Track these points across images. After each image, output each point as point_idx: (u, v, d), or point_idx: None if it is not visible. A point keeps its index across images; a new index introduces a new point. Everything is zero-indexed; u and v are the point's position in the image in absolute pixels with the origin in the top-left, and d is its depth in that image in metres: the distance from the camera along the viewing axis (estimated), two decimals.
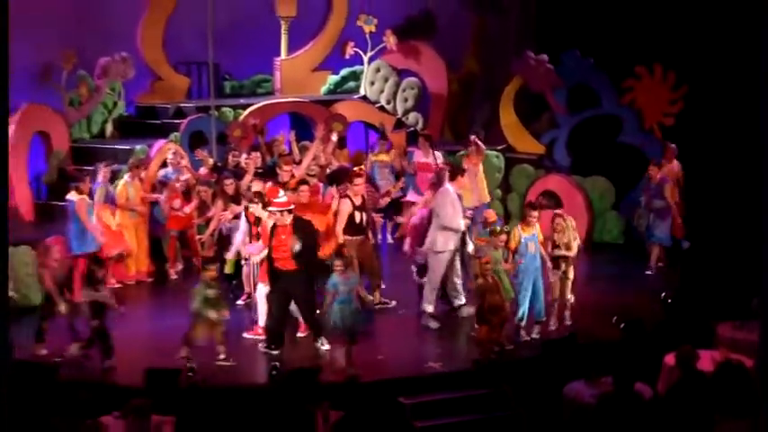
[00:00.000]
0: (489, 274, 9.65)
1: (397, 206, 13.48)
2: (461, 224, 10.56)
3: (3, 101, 6.45)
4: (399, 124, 15.86)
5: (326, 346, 9.85)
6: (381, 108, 15.99)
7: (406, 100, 16.19)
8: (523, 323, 10.20)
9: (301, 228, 9.85)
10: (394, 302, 11.21)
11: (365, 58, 16.13)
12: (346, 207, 10.74)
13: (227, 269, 11.21)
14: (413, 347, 10.05)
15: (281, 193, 10.15)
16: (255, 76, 16.31)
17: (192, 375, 9.15)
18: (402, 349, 9.91)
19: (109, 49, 14.61)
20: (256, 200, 10.46)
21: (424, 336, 10.39)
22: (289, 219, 9.82)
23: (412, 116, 16.16)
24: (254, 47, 15.88)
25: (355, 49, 16.01)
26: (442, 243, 10.51)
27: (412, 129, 15.84)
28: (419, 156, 13.67)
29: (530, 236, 10.17)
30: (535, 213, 10.32)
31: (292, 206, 9.94)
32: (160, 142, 13.76)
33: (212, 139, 13.90)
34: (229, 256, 11.07)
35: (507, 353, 9.75)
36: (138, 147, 13.75)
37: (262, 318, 10.11)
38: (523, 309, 10.17)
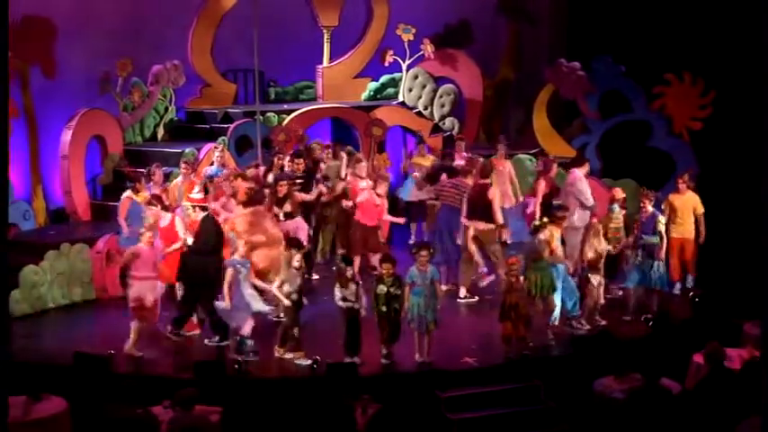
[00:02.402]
0: (514, 273, 9.88)
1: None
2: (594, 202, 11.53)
3: (3, 101, 6.75)
4: (436, 129, 16.20)
5: (215, 342, 10.15)
6: (419, 113, 16.30)
7: (442, 106, 16.49)
8: (557, 321, 10.44)
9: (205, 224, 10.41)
10: (476, 298, 11.55)
11: (404, 66, 16.41)
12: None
13: None
14: (449, 342, 10.19)
15: (196, 189, 10.75)
16: (299, 82, 16.62)
17: (238, 368, 9.49)
18: (439, 343, 9.97)
19: (161, 57, 15.05)
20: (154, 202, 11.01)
21: (460, 330, 10.59)
22: (200, 215, 10.51)
23: (448, 121, 16.49)
24: (298, 55, 16.20)
25: (394, 56, 16.29)
26: (580, 219, 11.26)
27: (448, 133, 16.17)
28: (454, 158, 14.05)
29: (542, 237, 10.35)
30: (561, 214, 10.61)
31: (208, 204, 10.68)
32: (208, 145, 14.16)
33: (257, 142, 14.25)
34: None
35: (538, 349, 9.97)
36: (187, 149, 14.11)
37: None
38: (565, 306, 10.41)
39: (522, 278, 9.97)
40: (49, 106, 14.00)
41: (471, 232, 11.40)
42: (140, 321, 9.98)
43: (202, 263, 10.28)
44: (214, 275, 10.16)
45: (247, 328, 9.82)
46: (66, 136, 13.90)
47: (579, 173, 11.96)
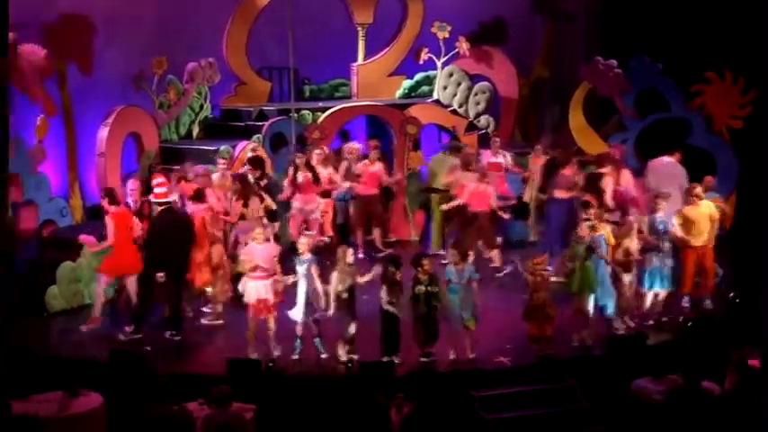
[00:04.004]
0: (540, 272, 9.88)
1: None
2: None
3: (2, 102, 6.75)
4: (471, 127, 16.15)
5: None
6: (454, 111, 16.25)
7: (477, 104, 16.45)
8: (613, 316, 10.38)
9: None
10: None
11: (438, 64, 16.39)
12: None
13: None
14: (484, 341, 10.17)
15: (158, 181, 10.85)
16: (333, 80, 16.60)
17: (272, 366, 9.56)
18: (472, 343, 9.99)
19: (196, 55, 15.11)
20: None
21: (495, 330, 10.58)
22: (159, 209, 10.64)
23: (483, 119, 16.44)
24: (332, 53, 16.20)
25: (429, 54, 16.25)
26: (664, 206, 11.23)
27: (483, 131, 16.12)
28: (488, 156, 14.01)
29: (600, 235, 10.34)
30: (592, 212, 10.53)
31: (169, 199, 10.75)
32: (243, 143, 14.22)
33: (292, 140, 14.32)
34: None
35: (573, 348, 9.97)
36: (222, 147, 14.12)
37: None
38: (602, 304, 10.33)
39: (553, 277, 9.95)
40: (86, 104, 14.10)
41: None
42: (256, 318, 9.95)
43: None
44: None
45: (299, 328, 9.85)
46: (103, 133, 14.00)
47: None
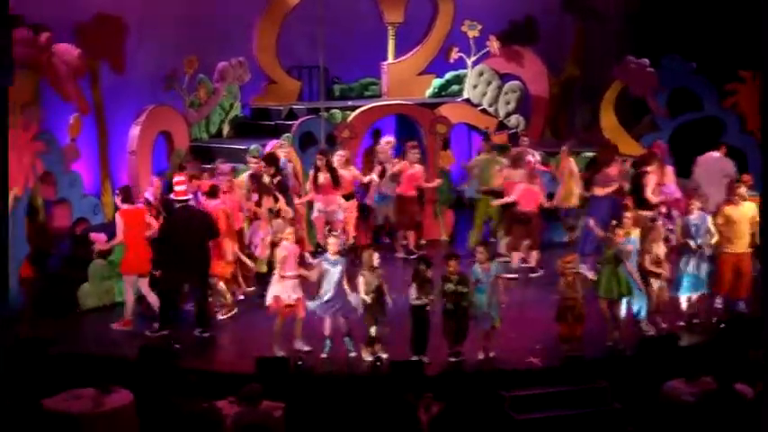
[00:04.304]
0: (569, 272, 9.83)
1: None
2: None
3: (2, 102, 6.84)
4: (501, 126, 16.08)
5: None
6: (484, 111, 16.22)
7: (508, 103, 16.40)
8: (644, 318, 10.31)
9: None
10: None
11: (469, 63, 16.36)
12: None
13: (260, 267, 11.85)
14: (514, 342, 10.17)
15: (178, 179, 10.98)
16: (363, 79, 16.63)
17: (300, 364, 9.56)
18: (504, 343, 10.02)
19: (226, 54, 15.16)
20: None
21: (526, 330, 10.56)
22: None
23: (513, 119, 16.39)
24: (362, 52, 16.22)
25: (459, 53, 16.24)
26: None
27: (513, 131, 16.05)
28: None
29: (631, 237, 10.27)
30: (629, 215, 10.48)
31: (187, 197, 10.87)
32: (273, 142, 14.17)
33: (321, 139, 14.33)
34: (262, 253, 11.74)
35: (605, 350, 9.92)
36: (252, 146, 14.14)
37: None
38: (638, 306, 10.28)
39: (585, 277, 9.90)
40: (118, 102, 14.19)
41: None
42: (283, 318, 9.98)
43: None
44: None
45: (327, 327, 9.86)
46: (135, 132, 14.08)
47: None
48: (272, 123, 15.26)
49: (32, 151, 11.59)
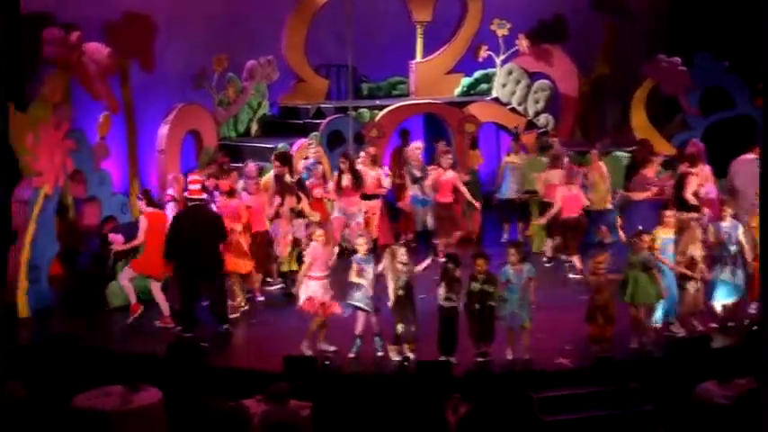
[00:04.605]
0: (602, 271, 9.74)
1: (524, 208, 13.76)
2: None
3: (2, 103, 6.86)
4: (530, 126, 15.98)
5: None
6: (513, 110, 16.13)
7: (537, 102, 16.29)
8: (659, 324, 10.23)
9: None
10: None
11: (498, 61, 16.28)
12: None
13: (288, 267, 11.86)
14: (544, 342, 10.09)
15: (192, 178, 10.94)
16: (391, 78, 16.61)
17: (328, 364, 9.55)
18: (533, 343, 9.93)
19: (255, 52, 15.20)
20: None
21: (555, 331, 10.48)
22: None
23: (542, 118, 16.27)
24: (391, 50, 16.19)
25: (488, 52, 16.17)
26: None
27: (542, 130, 15.94)
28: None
29: (669, 238, 10.18)
30: (670, 214, 10.37)
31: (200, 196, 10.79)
32: (301, 141, 14.23)
33: (350, 138, 14.33)
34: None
35: (635, 351, 9.82)
36: (280, 145, 14.14)
37: None
38: (664, 310, 10.18)
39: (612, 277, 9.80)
40: (147, 101, 14.26)
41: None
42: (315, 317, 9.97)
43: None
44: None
45: (358, 326, 9.84)
46: (164, 130, 14.16)
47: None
48: (301, 122, 15.28)
49: (63, 149, 11.67)
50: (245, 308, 11.34)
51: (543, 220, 12.60)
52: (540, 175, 13.05)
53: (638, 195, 12.26)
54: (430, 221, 13.30)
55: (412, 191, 13.38)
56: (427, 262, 9.93)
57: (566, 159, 13.11)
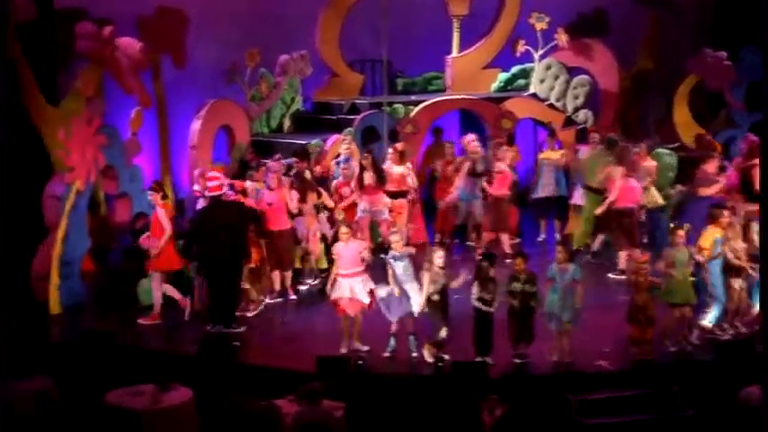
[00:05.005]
0: (643, 272, 9.55)
1: (562, 206, 13.52)
2: None
3: (2, 103, 6.77)
4: (569, 122, 15.73)
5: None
6: (551, 106, 15.89)
7: (576, 98, 16.00)
8: (711, 324, 10.02)
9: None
10: None
11: (536, 56, 16.02)
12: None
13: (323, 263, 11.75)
14: (583, 344, 9.90)
15: (211, 174, 10.95)
16: (427, 73, 16.44)
17: (361, 364, 9.46)
18: (572, 345, 9.76)
19: (288, 47, 15.11)
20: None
21: (595, 332, 10.27)
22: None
23: (582, 114, 15.96)
24: (426, 45, 16.05)
25: (526, 46, 15.91)
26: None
27: (582, 126, 15.67)
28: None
29: (721, 237, 9.96)
30: (726, 213, 10.12)
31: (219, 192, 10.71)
32: (334, 137, 14.15)
33: (384, 134, 14.20)
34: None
35: (677, 354, 9.65)
36: (313, 141, 14.11)
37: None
38: (716, 312, 9.99)
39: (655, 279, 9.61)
40: (179, 96, 14.21)
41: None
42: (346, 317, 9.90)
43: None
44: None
45: (393, 325, 9.71)
46: (196, 126, 14.11)
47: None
48: (334, 118, 15.20)
49: (95, 145, 11.64)
50: (261, 309, 11.20)
51: (599, 210, 12.28)
52: (604, 171, 12.64)
53: (707, 191, 11.95)
54: (478, 216, 12.98)
55: (464, 184, 12.96)
56: (463, 277, 9.68)
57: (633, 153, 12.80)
